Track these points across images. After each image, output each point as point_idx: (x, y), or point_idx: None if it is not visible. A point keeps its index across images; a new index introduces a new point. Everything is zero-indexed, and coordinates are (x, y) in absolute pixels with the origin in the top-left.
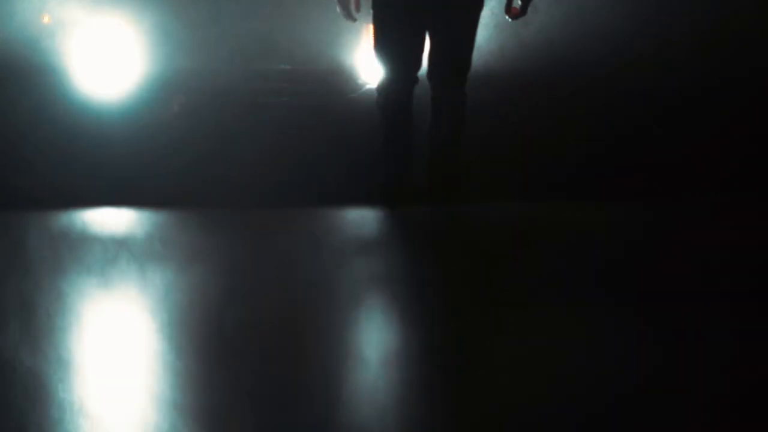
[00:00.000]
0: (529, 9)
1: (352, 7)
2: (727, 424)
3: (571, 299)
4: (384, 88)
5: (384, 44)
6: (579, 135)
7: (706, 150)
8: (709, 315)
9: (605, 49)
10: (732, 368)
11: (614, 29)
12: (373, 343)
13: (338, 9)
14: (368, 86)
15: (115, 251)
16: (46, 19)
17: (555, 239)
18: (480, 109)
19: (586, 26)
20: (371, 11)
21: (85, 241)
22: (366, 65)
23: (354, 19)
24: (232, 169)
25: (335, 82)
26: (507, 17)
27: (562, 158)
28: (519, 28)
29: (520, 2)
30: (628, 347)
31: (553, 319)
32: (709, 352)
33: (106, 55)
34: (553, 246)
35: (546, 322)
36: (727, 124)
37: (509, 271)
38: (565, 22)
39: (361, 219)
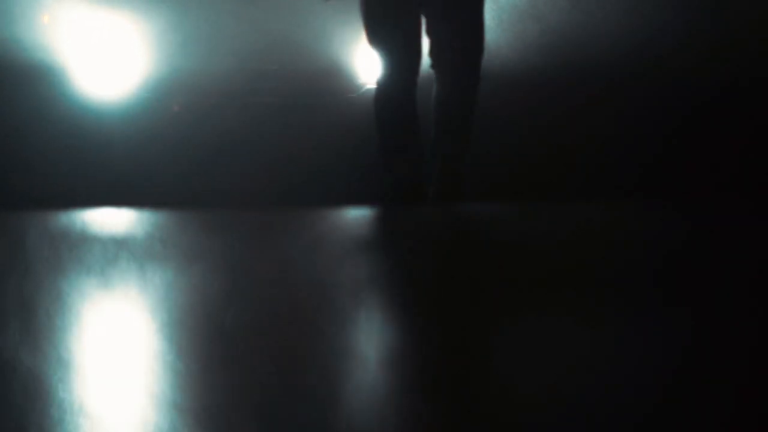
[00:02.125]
0: (530, 10)
1: None
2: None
3: (572, 299)
4: (385, 84)
5: (377, 31)
6: (581, 135)
7: (707, 151)
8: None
9: (608, 50)
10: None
11: (617, 31)
12: (374, 344)
13: None
14: (368, 86)
15: (115, 251)
16: (46, 19)
17: (557, 239)
18: (482, 108)
19: (590, 27)
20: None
21: (85, 241)
22: (365, 64)
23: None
24: (232, 169)
25: (335, 81)
26: None
27: (564, 158)
28: (524, 29)
29: None
30: (635, 349)
31: (555, 319)
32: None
33: (106, 55)
34: (554, 246)
35: (547, 322)
36: (730, 126)
37: (511, 272)
38: (568, 24)
39: (361, 219)
